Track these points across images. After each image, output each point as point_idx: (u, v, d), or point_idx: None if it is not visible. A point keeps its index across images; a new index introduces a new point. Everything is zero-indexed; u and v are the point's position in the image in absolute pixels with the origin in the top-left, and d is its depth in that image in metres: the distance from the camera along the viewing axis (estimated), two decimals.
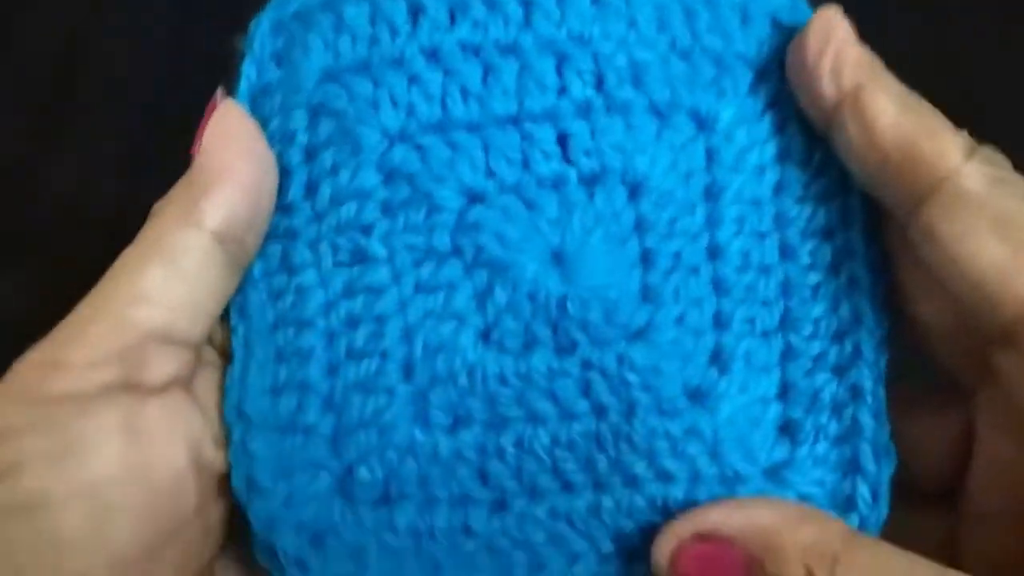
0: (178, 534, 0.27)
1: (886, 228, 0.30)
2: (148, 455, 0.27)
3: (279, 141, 0.30)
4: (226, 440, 0.29)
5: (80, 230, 0.60)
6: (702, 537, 0.28)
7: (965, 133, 0.27)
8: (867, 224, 0.30)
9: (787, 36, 0.30)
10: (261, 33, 0.30)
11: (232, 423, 0.29)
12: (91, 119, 0.63)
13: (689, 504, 0.29)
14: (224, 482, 0.29)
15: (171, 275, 0.27)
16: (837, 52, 0.28)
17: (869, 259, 0.30)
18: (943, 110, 0.28)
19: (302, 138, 0.30)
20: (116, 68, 0.64)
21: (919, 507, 0.31)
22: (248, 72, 0.30)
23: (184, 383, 0.29)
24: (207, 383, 0.30)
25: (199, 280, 0.28)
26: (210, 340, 0.30)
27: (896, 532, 0.27)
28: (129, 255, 0.28)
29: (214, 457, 0.29)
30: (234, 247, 0.28)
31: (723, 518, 0.28)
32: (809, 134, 0.30)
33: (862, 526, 0.29)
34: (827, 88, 0.28)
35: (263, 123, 0.30)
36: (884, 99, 0.27)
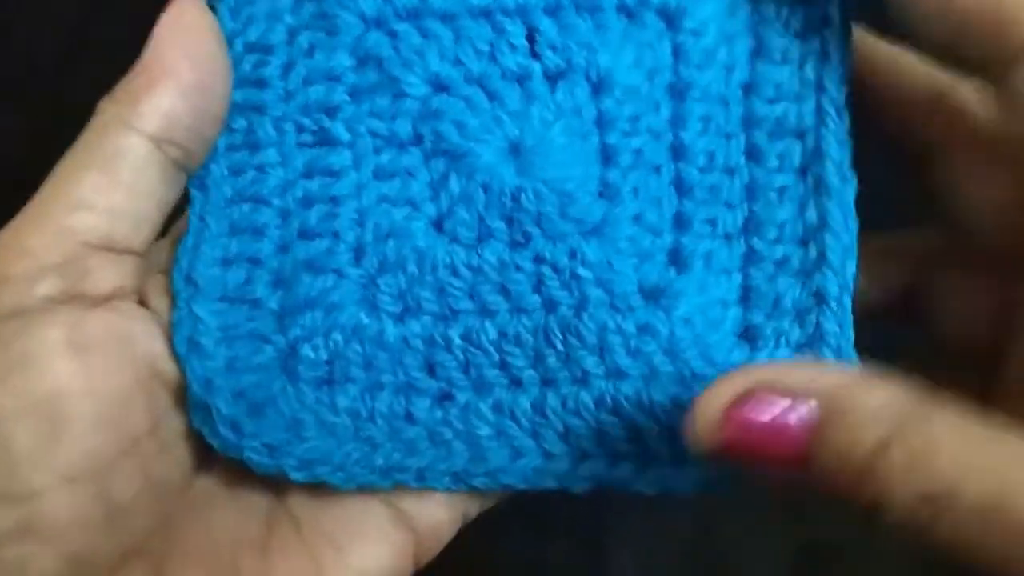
0: (133, 447, 0.27)
1: (931, 121, 0.30)
2: (94, 368, 0.26)
3: (266, 19, 0.30)
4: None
5: None
6: (754, 395, 0.24)
7: None
8: (839, 126, 0.29)
9: None
10: None
11: (179, 289, 0.29)
12: (89, 119, 0.65)
13: (641, 404, 0.28)
14: (182, 396, 0.29)
15: (109, 181, 0.27)
16: None
17: (839, 161, 0.29)
18: None
19: (288, 19, 0.30)
20: (116, 68, 0.66)
21: (946, 373, 0.29)
22: None
23: (132, 292, 0.28)
24: (162, 292, 0.29)
25: (138, 186, 0.27)
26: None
27: None
28: (67, 161, 0.27)
29: (169, 369, 0.28)
30: (176, 152, 0.28)
31: (782, 374, 0.24)
32: (785, 30, 0.29)
33: None
34: None
35: (248, 2, 0.30)
36: None
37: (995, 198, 0.29)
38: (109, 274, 0.27)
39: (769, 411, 0.24)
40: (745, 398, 0.24)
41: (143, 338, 0.28)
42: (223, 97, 0.29)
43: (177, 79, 0.28)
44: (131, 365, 0.27)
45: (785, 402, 0.24)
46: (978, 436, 0.23)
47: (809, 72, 0.29)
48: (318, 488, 0.29)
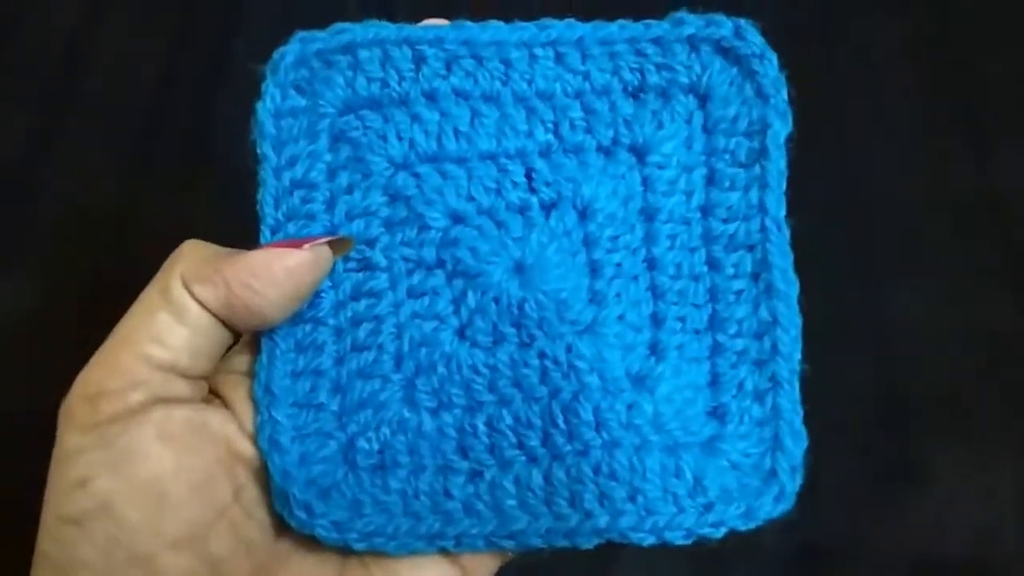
0: (222, 513, 0.33)
1: None
2: (181, 453, 0.33)
3: (307, 158, 0.36)
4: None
5: (80, 230, 0.63)
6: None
7: None
8: (780, 239, 0.36)
9: (732, 61, 0.36)
10: (285, 65, 0.36)
11: (260, 397, 0.35)
12: (91, 119, 0.65)
13: (634, 469, 0.35)
14: (256, 468, 0.35)
15: (175, 323, 0.33)
16: None
17: (783, 268, 0.36)
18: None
19: (326, 158, 0.36)
20: (116, 68, 0.66)
21: None
22: (273, 94, 0.36)
23: (199, 398, 0.34)
24: (236, 385, 0.36)
25: (198, 331, 0.33)
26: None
27: None
28: (146, 295, 0.33)
29: (244, 447, 0.35)
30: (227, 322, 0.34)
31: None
32: (732, 161, 0.36)
33: (781, 493, 0.35)
34: None
35: (289, 140, 0.36)
36: None
37: None
38: (181, 388, 0.33)
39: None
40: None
41: (218, 424, 0.34)
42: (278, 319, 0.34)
43: (253, 305, 0.33)
44: (210, 446, 0.34)
45: None
46: None
47: (753, 196, 0.36)
48: None
